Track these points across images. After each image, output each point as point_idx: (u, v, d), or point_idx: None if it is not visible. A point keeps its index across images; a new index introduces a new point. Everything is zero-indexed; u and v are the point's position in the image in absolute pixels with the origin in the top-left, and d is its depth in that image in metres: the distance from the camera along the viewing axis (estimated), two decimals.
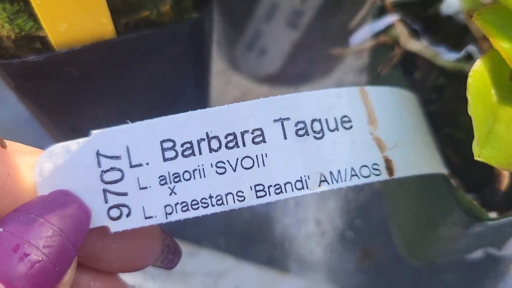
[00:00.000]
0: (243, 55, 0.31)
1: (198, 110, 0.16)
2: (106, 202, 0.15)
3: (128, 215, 0.15)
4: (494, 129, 0.14)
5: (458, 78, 0.20)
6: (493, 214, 0.19)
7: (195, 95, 0.26)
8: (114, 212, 0.15)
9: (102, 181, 0.15)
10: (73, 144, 0.15)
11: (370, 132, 0.16)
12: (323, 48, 0.30)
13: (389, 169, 0.16)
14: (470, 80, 0.14)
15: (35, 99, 0.22)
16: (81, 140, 0.15)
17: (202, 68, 0.24)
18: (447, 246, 0.24)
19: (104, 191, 0.15)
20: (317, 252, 0.31)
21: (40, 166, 0.15)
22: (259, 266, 0.30)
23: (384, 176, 0.16)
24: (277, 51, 0.30)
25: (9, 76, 0.20)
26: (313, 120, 0.16)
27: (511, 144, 0.14)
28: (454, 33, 0.22)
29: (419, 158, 0.17)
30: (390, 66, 0.22)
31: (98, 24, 0.19)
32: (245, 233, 0.31)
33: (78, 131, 0.23)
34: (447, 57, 0.21)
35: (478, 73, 0.14)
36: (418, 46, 0.21)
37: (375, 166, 0.16)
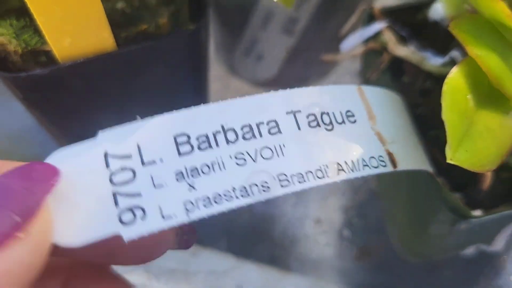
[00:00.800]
0: (241, 61, 0.32)
1: (211, 103, 0.15)
2: (116, 204, 0.14)
3: (143, 217, 0.14)
4: (469, 133, 0.15)
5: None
6: (477, 212, 0.20)
7: (195, 101, 0.27)
8: (127, 216, 0.14)
9: (112, 183, 0.14)
10: (79, 147, 0.15)
11: (371, 127, 0.17)
12: (318, 52, 0.31)
13: (393, 161, 0.17)
14: (444, 88, 0.15)
15: (41, 109, 0.23)
16: (88, 142, 0.15)
17: (200, 76, 0.25)
18: (439, 243, 0.25)
19: (114, 193, 0.14)
20: (317, 250, 0.32)
21: None
22: (260, 265, 0.31)
23: (390, 167, 0.16)
24: (273, 56, 0.31)
25: (17, 88, 0.21)
26: (322, 113, 0.16)
27: (485, 147, 0.15)
28: (440, 38, 0.23)
29: (412, 154, 0.18)
30: (379, 71, 0.23)
31: (99, 38, 0.20)
32: (246, 233, 0.32)
33: (84, 138, 0.24)
34: (433, 62, 0.22)
35: (454, 81, 0.15)
36: (405, 51, 0.22)
37: (381, 158, 0.16)
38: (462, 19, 0.16)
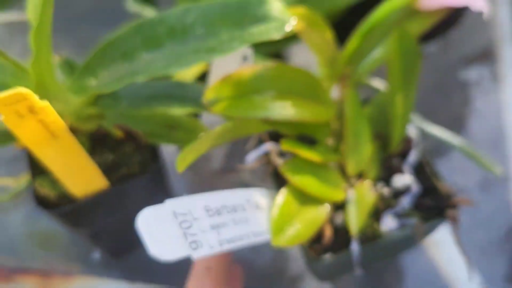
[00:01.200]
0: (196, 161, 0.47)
1: (216, 192, 0.29)
2: (186, 239, 0.25)
3: (200, 246, 0.25)
4: (291, 224, 0.30)
5: None
6: (327, 255, 0.34)
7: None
8: (193, 245, 0.25)
9: (181, 227, 0.25)
10: (158, 209, 0.26)
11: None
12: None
13: None
14: (276, 202, 0.30)
15: (71, 225, 0.38)
16: (160, 206, 0.26)
17: (165, 189, 0.40)
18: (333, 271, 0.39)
19: (184, 233, 0.25)
20: None
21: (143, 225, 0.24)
22: None
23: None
24: (217, 156, 0.46)
25: (54, 216, 0.36)
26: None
27: (301, 230, 0.29)
28: None
29: None
30: (268, 175, 0.37)
31: (97, 183, 0.35)
32: (265, 274, 0.45)
33: (95, 237, 0.39)
34: None
35: (283, 195, 0.30)
36: (281, 161, 0.37)
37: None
38: (288, 161, 0.31)
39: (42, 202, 0.35)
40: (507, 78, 0.55)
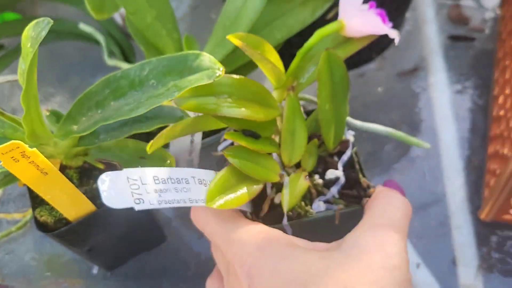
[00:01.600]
0: None
1: (166, 168, 0.35)
2: (132, 196, 0.32)
3: (142, 203, 0.32)
4: (226, 194, 0.37)
5: None
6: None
7: (146, 218, 0.50)
8: (137, 201, 0.32)
9: (130, 188, 0.32)
10: (116, 174, 0.32)
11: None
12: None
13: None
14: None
15: (68, 244, 0.46)
16: (118, 172, 0.32)
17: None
18: None
19: (132, 192, 0.32)
20: None
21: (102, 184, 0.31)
22: None
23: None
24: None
25: (53, 238, 0.44)
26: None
27: (235, 200, 0.37)
28: None
29: None
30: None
31: (87, 207, 0.43)
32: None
33: (90, 253, 0.48)
34: None
35: (222, 172, 0.38)
36: None
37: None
38: (233, 148, 0.39)
39: (43, 227, 0.44)
40: (437, 84, 0.63)
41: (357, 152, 0.45)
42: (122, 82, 0.40)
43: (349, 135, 0.46)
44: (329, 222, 0.42)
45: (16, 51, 0.70)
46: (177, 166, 0.50)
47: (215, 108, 0.37)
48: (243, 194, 0.38)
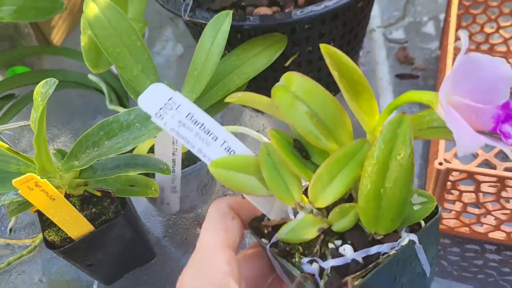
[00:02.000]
0: (161, 207, 0.65)
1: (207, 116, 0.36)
2: (160, 111, 0.35)
3: (161, 120, 0.34)
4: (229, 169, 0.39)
5: None
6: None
7: (138, 237, 0.60)
8: (159, 115, 0.35)
9: (164, 106, 0.35)
10: (164, 90, 0.36)
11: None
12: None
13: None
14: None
15: (70, 259, 0.55)
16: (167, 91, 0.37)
17: (136, 226, 0.58)
18: None
19: (162, 108, 0.35)
20: None
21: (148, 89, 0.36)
22: None
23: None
24: (174, 201, 0.64)
25: (57, 254, 0.54)
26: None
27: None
28: None
29: None
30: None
31: (87, 228, 0.53)
32: None
33: (90, 268, 0.57)
34: None
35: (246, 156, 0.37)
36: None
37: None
38: (276, 131, 0.34)
39: (50, 245, 0.53)
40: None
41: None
42: (113, 125, 0.51)
43: (410, 236, 0.32)
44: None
45: (25, 99, 0.81)
46: (161, 192, 0.60)
47: None
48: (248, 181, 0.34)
